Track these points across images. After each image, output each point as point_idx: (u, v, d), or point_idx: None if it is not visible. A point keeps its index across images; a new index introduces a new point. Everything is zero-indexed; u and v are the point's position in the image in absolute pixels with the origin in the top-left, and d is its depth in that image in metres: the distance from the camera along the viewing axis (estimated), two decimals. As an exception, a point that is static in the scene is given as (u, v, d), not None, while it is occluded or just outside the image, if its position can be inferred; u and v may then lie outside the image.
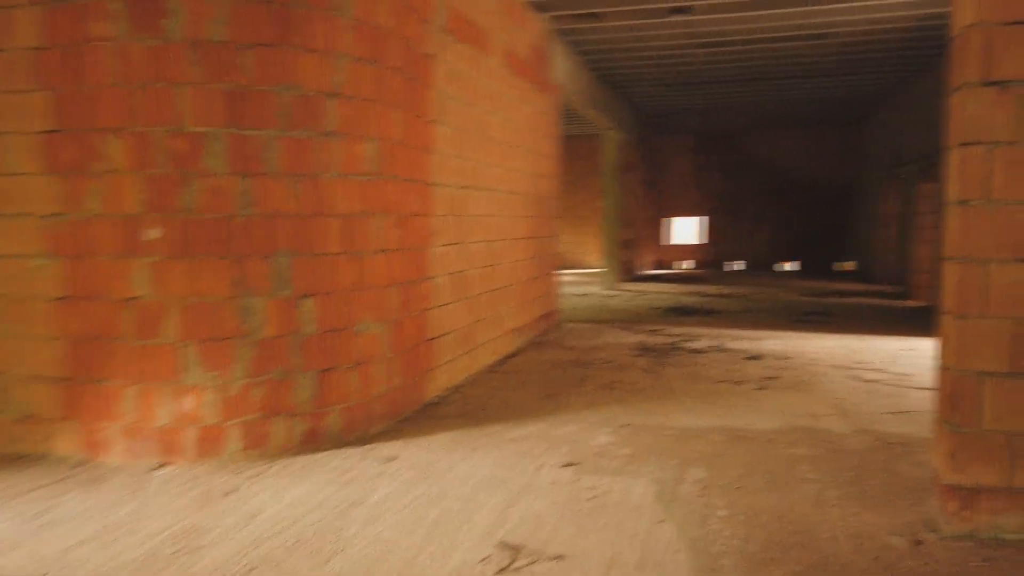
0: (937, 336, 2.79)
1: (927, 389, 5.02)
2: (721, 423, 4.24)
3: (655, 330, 7.74)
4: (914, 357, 6.19)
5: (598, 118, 11.13)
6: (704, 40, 8.44)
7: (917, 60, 9.43)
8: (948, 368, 2.68)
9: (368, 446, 3.86)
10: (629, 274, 14.22)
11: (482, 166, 5.66)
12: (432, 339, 4.81)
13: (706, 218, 17.26)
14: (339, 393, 3.87)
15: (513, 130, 6.40)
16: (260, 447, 3.66)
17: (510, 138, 6.32)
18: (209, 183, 3.51)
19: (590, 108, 10.24)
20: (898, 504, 3.02)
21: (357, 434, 3.96)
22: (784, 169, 16.56)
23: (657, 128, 16.29)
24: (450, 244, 5.08)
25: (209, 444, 3.59)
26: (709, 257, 17.31)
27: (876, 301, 10.43)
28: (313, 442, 3.78)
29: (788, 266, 16.83)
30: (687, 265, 17.53)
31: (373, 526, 2.85)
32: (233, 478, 3.39)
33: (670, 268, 17.47)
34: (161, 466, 3.53)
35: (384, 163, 4.09)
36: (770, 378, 5.40)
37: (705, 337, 7.26)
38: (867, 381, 5.29)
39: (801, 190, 16.48)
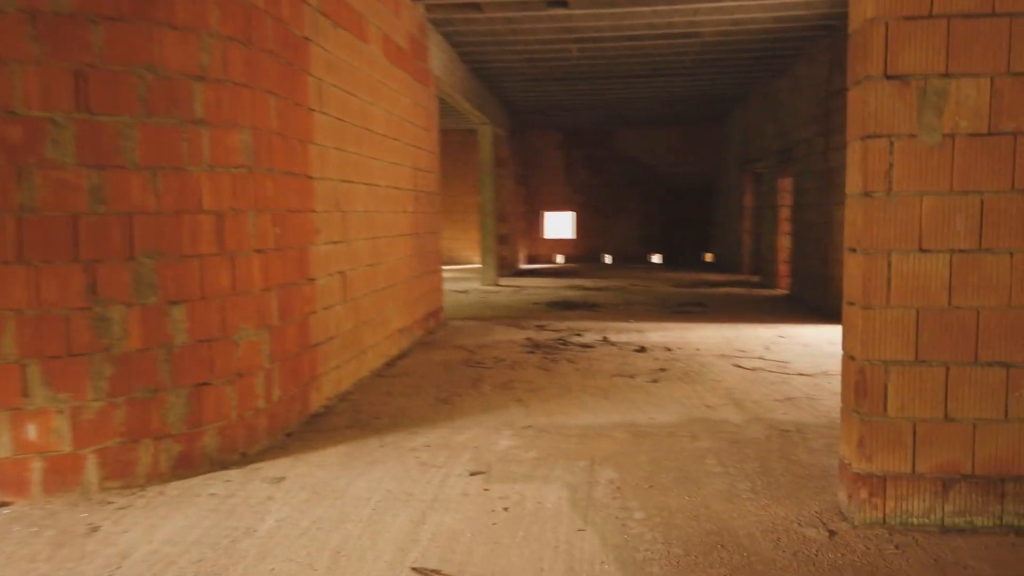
0: (843, 326, 2.82)
1: (806, 375, 5.22)
2: (622, 419, 4.20)
3: (542, 325, 7.68)
4: (787, 344, 6.46)
5: (473, 112, 10.98)
6: (579, 35, 8.47)
7: (772, 61, 9.91)
8: (854, 358, 2.71)
9: (252, 466, 3.50)
10: (506, 269, 14.19)
11: (364, 159, 5.35)
12: (316, 345, 4.47)
13: (576, 212, 17.54)
14: (216, 410, 3.48)
15: (393, 122, 6.11)
16: (125, 476, 3.22)
17: (391, 131, 6.03)
18: (52, 176, 3.03)
19: (465, 102, 10.06)
20: (804, 494, 3.06)
21: (238, 454, 3.58)
22: (650, 165, 17.11)
23: (529, 123, 16.37)
24: (333, 242, 4.74)
25: (62, 476, 3.12)
26: (581, 251, 17.62)
27: (742, 291, 10.93)
28: (188, 466, 3.38)
29: (655, 258, 17.42)
30: (560, 259, 17.76)
31: (265, 561, 2.54)
32: (95, 514, 2.95)
33: (544, 262, 17.63)
34: (2, 505, 3.03)
35: (259, 154, 3.72)
36: (660, 370, 5.45)
37: (591, 331, 7.28)
38: (751, 369, 5.44)
39: (666, 185, 17.10)
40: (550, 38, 8.58)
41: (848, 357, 2.77)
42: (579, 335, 7.05)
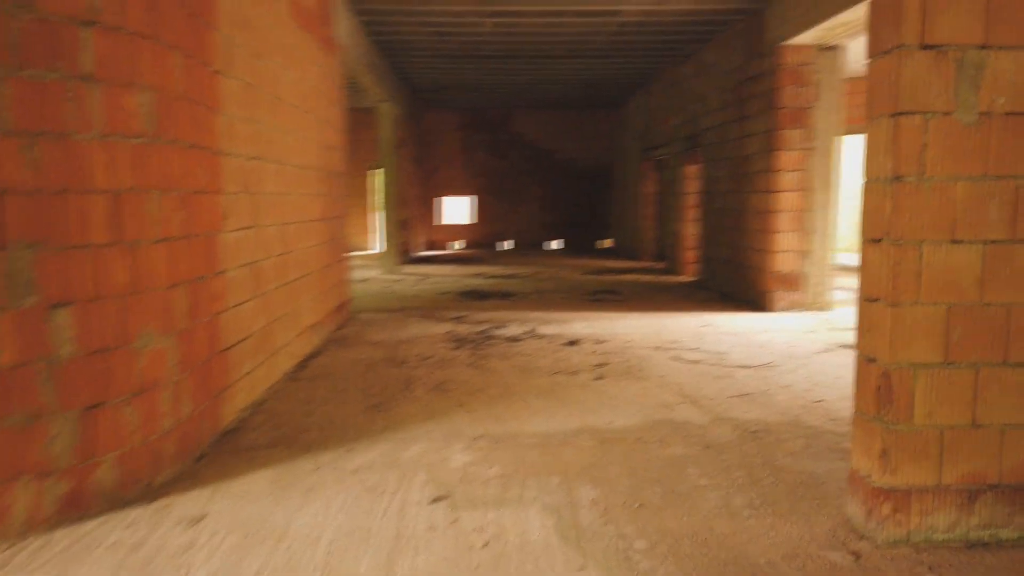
0: (860, 325, 2.55)
1: (748, 368, 5.06)
2: (579, 423, 3.83)
3: (459, 317, 7.23)
4: (715, 333, 6.33)
5: (374, 88, 10.29)
6: (496, 7, 8.00)
7: (683, 45, 9.84)
8: (876, 360, 2.46)
9: (161, 502, 2.87)
10: (406, 256, 13.58)
11: (274, 133, 4.69)
12: (228, 348, 3.83)
13: (475, 197, 17.11)
14: (113, 435, 2.83)
15: (303, 94, 5.45)
16: (-5, 527, 2.53)
17: (301, 103, 5.37)
18: None
19: (367, 76, 9.39)
20: (806, 507, 2.80)
21: (141, 487, 2.94)
22: (550, 150, 16.91)
23: (427, 103, 15.75)
24: (243, 228, 4.10)
25: (-93, 534, 2.40)
26: (480, 237, 17.22)
27: (650, 278, 10.87)
28: (79, 507, 2.72)
29: (555, 244, 17.28)
30: (459, 245, 17.29)
31: (202, 637, 1.99)
32: (-46, 584, 2.27)
33: (443, 249, 17.11)
34: None
35: (163, 122, 3.06)
36: (600, 365, 5.14)
37: (513, 323, 6.90)
38: (691, 362, 5.23)
39: (566, 171, 16.95)
40: (463, 10, 8.07)
41: (866, 360, 2.51)
42: (502, 327, 6.65)
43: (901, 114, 2.32)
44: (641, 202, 13.63)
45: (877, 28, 2.43)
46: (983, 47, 2.29)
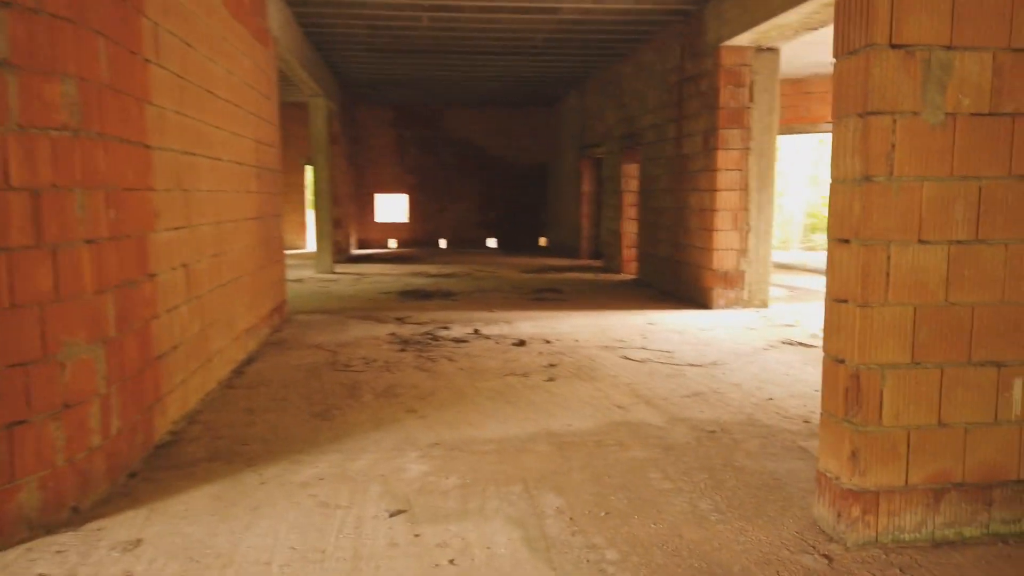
0: (827, 326, 2.53)
1: (697, 366, 5.07)
2: (536, 427, 3.74)
3: (402, 318, 7.04)
4: (661, 332, 6.34)
5: (307, 82, 9.96)
6: (433, 2, 7.83)
7: (620, 44, 9.87)
8: (843, 361, 2.44)
9: (91, 526, 2.64)
10: (341, 255, 13.24)
11: (206, 128, 4.43)
12: (160, 357, 3.58)
13: (409, 196, 16.84)
14: (35, 456, 2.58)
15: (236, 86, 5.18)
16: (-101, 564, 2.26)
17: (233, 96, 5.10)
18: None
19: (302, 69, 9.07)
20: (772, 510, 2.77)
21: (68, 510, 2.70)
22: (485, 147, 16.78)
23: (359, 99, 15.40)
24: (176, 228, 3.84)
25: None
26: (415, 235, 16.96)
27: (590, 276, 10.89)
28: (-3, 538, 2.47)
29: (491, 243, 17.17)
30: (393, 244, 16.99)
31: None
32: None
33: (376, 247, 16.78)
34: None
35: (88, 113, 2.81)
36: (550, 366, 5.06)
37: (457, 323, 6.76)
38: (640, 362, 5.21)
39: (501, 169, 16.86)
40: (400, 2, 7.86)
41: (835, 361, 2.49)
42: (447, 328, 6.51)
43: (871, 114, 2.30)
44: (578, 200, 13.66)
45: (845, 28, 2.41)
46: (949, 48, 2.29)
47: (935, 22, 2.27)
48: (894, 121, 2.30)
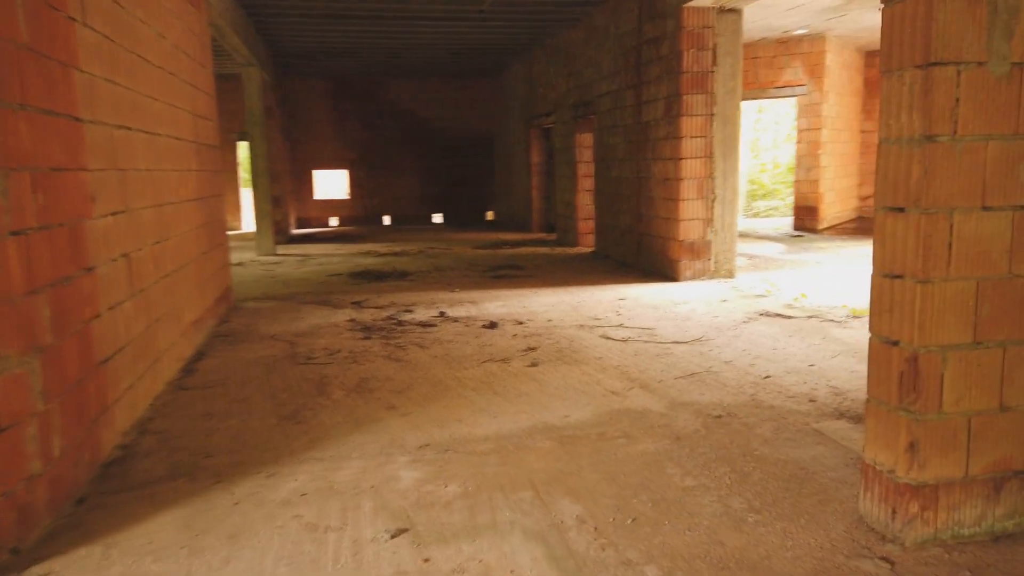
0: (876, 305, 2.29)
1: (683, 343, 4.85)
2: (531, 420, 3.44)
3: (359, 302, 6.62)
4: (635, 307, 6.11)
5: (240, 50, 9.30)
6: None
7: (567, 9, 9.50)
8: (899, 343, 2.20)
9: (35, 571, 2.22)
10: (281, 235, 12.61)
11: (141, 98, 3.92)
12: (104, 361, 3.13)
13: (350, 171, 16.20)
14: (-38, 494, 2.14)
15: (168, 52, 4.64)
16: None
17: (166, 62, 4.56)
18: None
19: (235, 36, 8.42)
20: (810, 506, 2.54)
21: (6, 553, 2.27)
22: (428, 119, 16.23)
23: (293, 69, 14.63)
24: (114, 213, 3.36)
25: None
26: (357, 212, 16.36)
27: (546, 250, 10.60)
28: (-82, 598, 2.03)
29: (437, 218, 16.71)
30: (334, 222, 16.36)
31: None
32: None
33: (317, 226, 16.12)
34: None
35: (6, 79, 2.34)
36: (530, 349, 4.76)
37: (420, 305, 6.39)
38: (623, 340, 4.96)
39: (445, 141, 16.36)
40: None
41: (886, 343, 2.25)
42: (410, 311, 6.13)
43: (934, 64, 2.03)
44: (528, 172, 13.32)
45: (898, -33, 2.13)
46: (1018, -11, 2.04)
47: (1004, -40, 2.02)
48: (958, 72, 2.05)
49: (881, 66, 2.22)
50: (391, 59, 13.41)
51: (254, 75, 10.52)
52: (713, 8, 6.99)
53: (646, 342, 4.90)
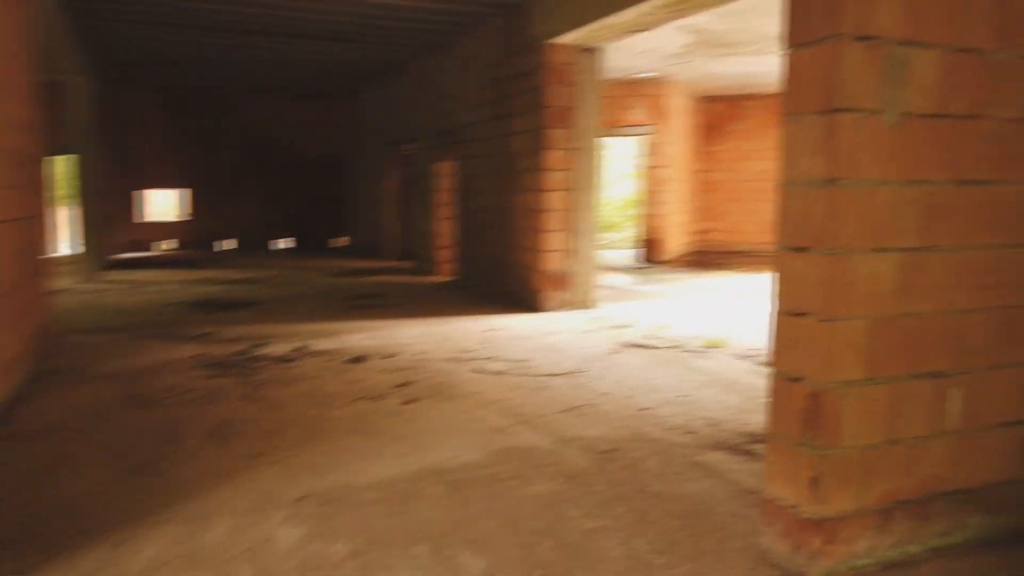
0: (778, 342, 2.33)
1: (559, 375, 4.82)
2: (417, 464, 3.23)
3: (204, 335, 6.07)
4: (504, 339, 6.04)
5: (65, 56, 8.41)
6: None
7: (437, 36, 9.43)
8: (801, 380, 2.24)
9: None
10: (107, 260, 11.46)
11: (-46, 100, 3.36)
12: (-99, 414, 2.58)
13: (189, 192, 15.11)
14: None
15: (-11, 49, 4.04)
16: None
17: (-14, 61, 3.97)
18: None
19: (58, 41, 7.60)
20: (712, 544, 2.53)
21: None
22: (276, 140, 15.48)
23: (125, 80, 13.47)
24: (-82, 235, 2.82)
25: None
26: (195, 236, 15.24)
27: (405, 279, 10.35)
28: None
29: (284, 244, 15.93)
30: (168, 246, 15.15)
31: None
32: None
33: (147, 250, 14.85)
34: None
35: None
36: (403, 385, 4.53)
37: (275, 338, 5.96)
38: (498, 374, 4.85)
39: (295, 163, 15.66)
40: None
41: (790, 380, 2.29)
42: (264, 345, 5.69)
43: (838, 111, 2.10)
44: (384, 199, 13.04)
45: (799, 16, 2.21)
46: (908, 43, 2.17)
47: (896, 14, 2.13)
48: (858, 120, 2.13)
49: (784, 109, 2.28)
50: (240, 75, 12.69)
51: (80, 85, 9.55)
52: (576, 46, 7.16)
53: (522, 375, 4.82)
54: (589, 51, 7.26)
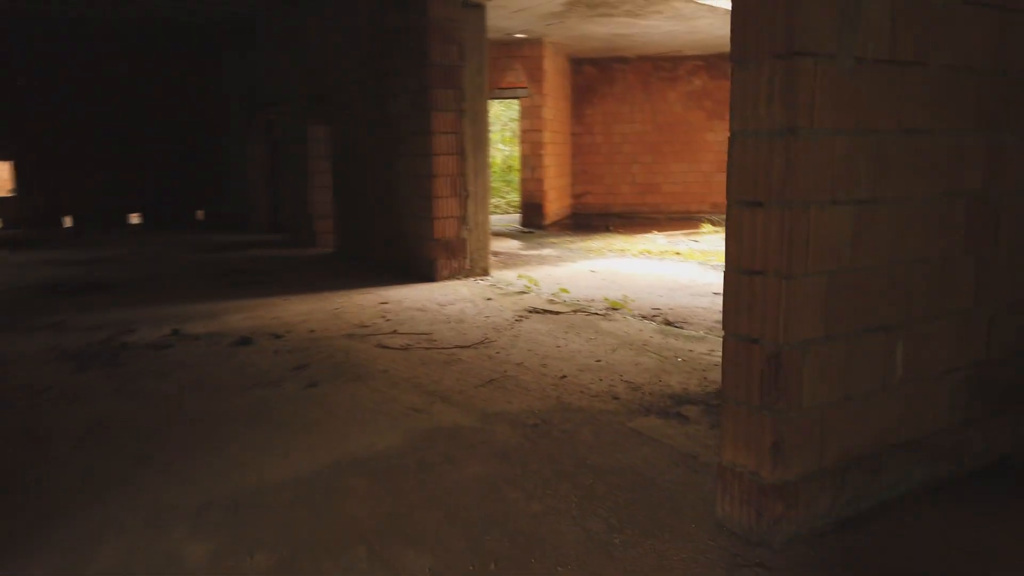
0: (732, 303, 2.21)
1: (466, 347, 4.59)
2: (333, 455, 2.92)
3: (57, 324, 5.36)
4: (401, 311, 5.73)
5: None
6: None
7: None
8: (759, 341, 2.14)
9: None
10: (-73, 243, 10.03)
11: None
12: None
13: (15, 163, 13.47)
14: None
15: None
16: None
17: None
18: None
19: None
20: (668, 519, 2.41)
21: None
22: (123, 103, 14.05)
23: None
24: None
25: None
26: (27, 214, 13.60)
27: (280, 252, 9.70)
28: None
29: (135, 219, 14.60)
30: (-3, 225, 13.51)
31: None
32: None
33: (-25, 230, 13.17)
34: None
35: None
36: (301, 367, 4.16)
37: (143, 323, 5.35)
38: (403, 349, 4.56)
39: (149, 130, 14.30)
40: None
41: (747, 341, 2.18)
42: (131, 332, 5.09)
43: (797, 55, 1.97)
44: (250, 167, 12.18)
45: (754, -49, 2.05)
46: (861, -16, 2.06)
47: (852, -47, 2.02)
48: (815, 64, 2.02)
49: (733, 56, 2.13)
50: (78, 27, 11.37)
51: None
52: (459, 1, 6.83)
53: (428, 348, 4.56)
54: (472, 7, 6.95)
